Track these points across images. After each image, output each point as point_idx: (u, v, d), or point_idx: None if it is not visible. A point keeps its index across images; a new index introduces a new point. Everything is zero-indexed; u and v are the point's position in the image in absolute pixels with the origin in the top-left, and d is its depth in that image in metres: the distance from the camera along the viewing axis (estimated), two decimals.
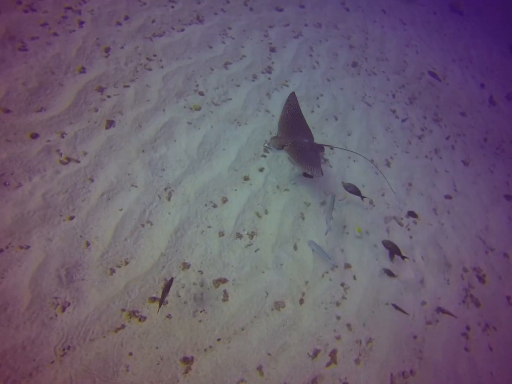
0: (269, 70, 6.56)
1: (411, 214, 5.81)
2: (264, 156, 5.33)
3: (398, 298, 4.91)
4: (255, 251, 4.39)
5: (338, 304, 4.48)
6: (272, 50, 6.94)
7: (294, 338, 4.04)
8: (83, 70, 4.77)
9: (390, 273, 4.99)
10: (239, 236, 4.40)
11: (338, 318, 4.38)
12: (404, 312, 4.53)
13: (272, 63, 6.72)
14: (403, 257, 4.75)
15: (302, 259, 4.63)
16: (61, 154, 4.02)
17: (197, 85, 5.54)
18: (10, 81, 4.21)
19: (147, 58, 5.39)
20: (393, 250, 4.80)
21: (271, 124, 5.77)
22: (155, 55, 5.49)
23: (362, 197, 4.98)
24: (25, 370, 2.89)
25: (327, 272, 4.70)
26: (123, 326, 3.36)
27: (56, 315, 3.18)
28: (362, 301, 4.69)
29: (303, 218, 5.02)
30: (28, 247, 3.39)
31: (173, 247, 3.96)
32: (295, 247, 4.69)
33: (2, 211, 3.43)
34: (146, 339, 3.39)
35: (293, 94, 4.96)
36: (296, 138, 4.63)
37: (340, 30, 8.47)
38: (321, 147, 5.13)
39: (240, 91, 5.91)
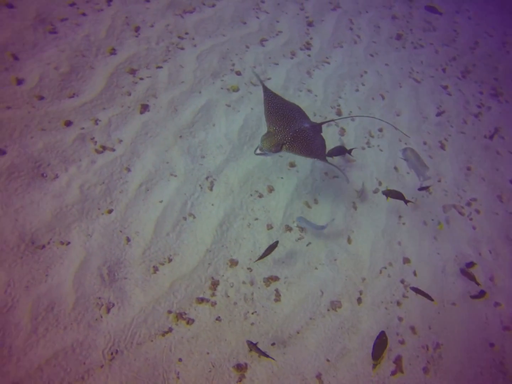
0: (308, 46, 5.96)
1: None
2: None
3: (466, 298, 4.34)
4: (307, 245, 3.95)
5: (399, 303, 3.98)
6: (310, 24, 6.31)
7: (354, 343, 3.60)
8: (113, 52, 4.41)
9: (468, 275, 4.30)
10: (289, 228, 3.97)
11: (401, 319, 3.89)
12: (429, 298, 3.63)
13: (311, 38, 6.10)
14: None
15: (357, 253, 4.14)
16: (95, 142, 3.72)
17: (233, 64, 5.06)
18: (43, 66, 3.92)
19: (179, 37, 4.96)
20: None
21: (314, 105, 5.22)
22: (187, 33, 5.05)
23: (406, 202, 3.95)
24: (77, 373, 2.66)
25: (385, 268, 4.19)
26: (170, 330, 3.05)
27: (101, 317, 2.92)
28: (426, 301, 4.16)
29: (356, 208, 4.50)
30: (68, 243, 3.13)
31: (219, 242, 3.59)
32: (349, 240, 4.21)
33: (42, 204, 3.17)
34: (196, 344, 3.07)
35: (263, 86, 3.68)
36: (294, 126, 3.43)
37: None
38: (321, 127, 3.90)
39: (279, 69, 5.38)
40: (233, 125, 4.45)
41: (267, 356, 2.97)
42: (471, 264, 4.53)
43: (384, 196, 4.17)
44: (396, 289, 4.10)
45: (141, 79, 4.36)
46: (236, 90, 4.81)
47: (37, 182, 3.31)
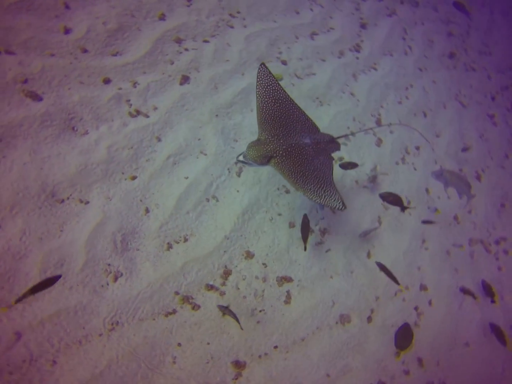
0: (357, 48, 5.71)
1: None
2: (345, 144, 4.61)
3: (482, 341, 4.09)
4: (326, 251, 3.76)
5: None
6: (363, 26, 6.04)
7: (358, 362, 3.42)
8: (163, 17, 4.26)
9: (497, 332, 3.88)
10: (311, 231, 3.79)
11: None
12: (396, 281, 3.32)
13: (362, 41, 5.84)
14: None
15: (375, 270, 3.93)
16: (131, 105, 3.58)
17: (280, 53, 4.86)
18: (92, 20, 3.78)
19: (230, 14, 4.78)
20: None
21: (355, 110, 4.99)
22: (238, 12, 4.86)
23: (404, 208, 3.66)
24: (76, 336, 2.55)
25: (401, 291, 3.98)
26: (174, 311, 2.92)
27: (108, 284, 2.80)
28: (438, 334, 3.93)
29: (380, 223, 4.29)
30: (87, 202, 3.01)
31: (238, 230, 3.43)
32: (369, 255, 4.00)
33: (68, 158, 3.05)
34: (198, 331, 2.93)
35: (263, 66, 3.07)
36: (290, 139, 2.81)
37: (439, 13, 7.29)
38: (335, 144, 3.15)
39: (325, 66, 5.15)
40: None
41: (238, 321, 2.83)
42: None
43: (416, 220, 3.97)
44: (409, 315, 3.88)
45: (186, 50, 4.20)
46: (279, 79, 4.61)
47: (66, 135, 3.20)
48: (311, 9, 5.64)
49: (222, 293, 3.11)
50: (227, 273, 3.20)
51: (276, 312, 3.26)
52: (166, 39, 4.15)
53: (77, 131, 3.27)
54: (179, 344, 2.82)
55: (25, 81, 3.18)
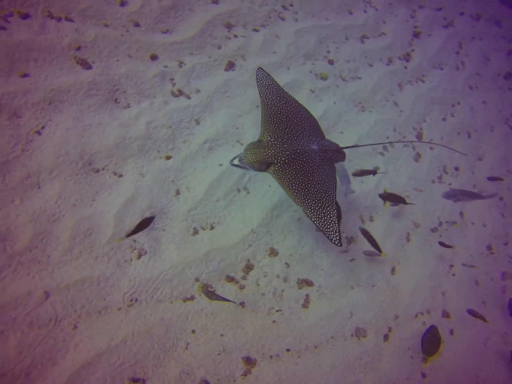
0: (407, 57, 5.47)
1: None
2: (383, 154, 4.44)
3: None
4: (350, 260, 3.63)
5: (427, 358, 3.60)
6: (416, 35, 5.79)
7: (368, 380, 3.28)
8: (216, 0, 4.20)
9: None
10: None
11: (424, 376, 3.50)
12: (378, 249, 3.12)
13: (412, 50, 5.60)
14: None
15: (398, 288, 3.77)
16: (174, 84, 3.55)
17: (328, 52, 4.72)
18: None
19: (283, 6, 4.67)
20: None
21: (397, 120, 4.79)
22: (291, 5, 4.74)
23: (405, 202, 3.44)
24: (96, 306, 2.56)
25: (422, 314, 3.79)
26: (192, 298, 2.88)
27: (131, 260, 2.78)
28: (457, 368, 3.73)
29: (409, 240, 4.11)
30: (121, 175, 3.00)
31: (265, 226, 3.35)
32: (393, 271, 3.84)
33: (108, 129, 3.05)
34: (213, 321, 2.88)
35: (260, 70, 2.83)
36: (296, 144, 2.46)
37: (502, 29, 6.90)
38: (341, 153, 2.81)
39: (372, 72, 4.97)
40: (312, 112, 4.10)
41: (228, 300, 2.73)
42: None
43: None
44: None
45: (235, 36, 4.13)
46: (324, 78, 4.47)
47: (109, 106, 3.20)
48: (365, 11, 5.45)
49: (242, 287, 3.05)
50: (249, 267, 3.13)
51: (293, 314, 3.17)
52: (217, 22, 4.09)
53: (119, 104, 3.26)
54: (193, 331, 2.78)
55: (78, 48, 3.20)
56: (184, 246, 3.01)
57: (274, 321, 3.06)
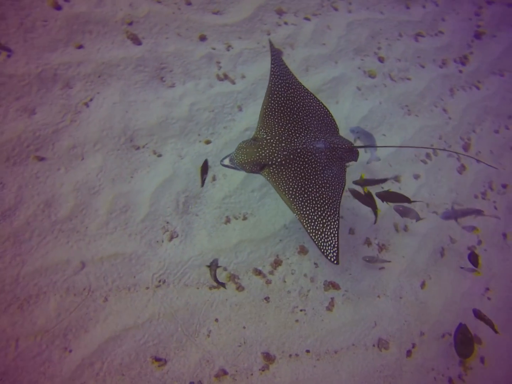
0: (463, 60, 5.11)
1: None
2: (425, 162, 4.21)
3: None
4: (380, 268, 3.49)
5: (452, 382, 3.44)
6: (477, 35, 5.38)
7: None
8: None
9: None
10: (369, 243, 3.53)
11: None
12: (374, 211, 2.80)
13: (471, 52, 5.22)
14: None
15: (426, 304, 3.60)
16: (220, 67, 3.47)
17: (379, 48, 4.47)
18: None
19: None
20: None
21: (444, 128, 4.51)
22: None
23: (410, 202, 2.85)
24: (126, 282, 2.59)
25: (450, 335, 3.62)
26: (218, 287, 2.85)
27: (163, 241, 2.78)
28: None
29: (443, 255, 3.90)
30: (160, 155, 2.99)
31: (298, 222, 3.27)
32: (423, 285, 3.66)
33: (152, 107, 3.03)
34: (237, 312, 2.85)
35: (277, 53, 2.46)
36: (297, 142, 2.15)
37: None
38: (354, 152, 2.45)
39: (423, 74, 4.68)
40: (356, 111, 3.96)
41: (220, 283, 2.53)
42: None
43: (484, 264, 3.52)
44: (453, 365, 3.52)
45: (286, 23, 3.98)
46: (373, 76, 4.25)
47: (154, 83, 3.17)
48: (424, 6, 5.10)
49: (268, 282, 3.00)
50: (277, 263, 3.07)
51: (316, 316, 3.09)
52: (268, 8, 3.94)
53: (165, 82, 3.22)
54: (217, 320, 2.77)
55: (131, 23, 3.16)
56: (215, 233, 2.98)
57: (297, 320, 3.00)
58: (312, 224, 2.05)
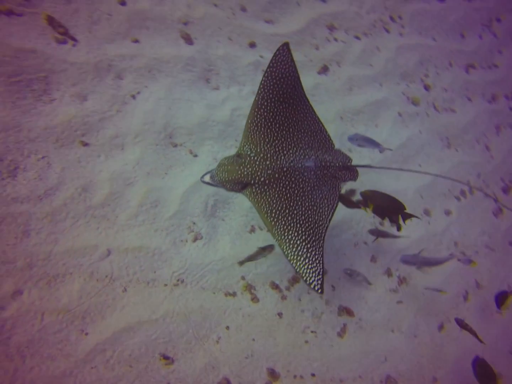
0: None
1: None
2: (459, 199, 4.05)
3: None
4: (397, 302, 3.38)
5: None
6: None
7: None
8: None
9: None
10: (389, 273, 3.42)
11: None
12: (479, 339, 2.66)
13: None
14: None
15: (443, 347, 3.45)
16: None
17: (427, 76, 4.35)
18: None
19: (391, 17, 4.37)
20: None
21: (484, 166, 4.33)
22: (400, 17, 4.43)
23: (406, 216, 2.28)
24: (146, 276, 2.65)
25: None
26: (234, 294, 2.85)
27: (187, 241, 2.81)
28: None
29: (466, 299, 3.73)
30: (196, 155, 3.02)
31: None
32: (441, 328, 3.51)
33: (195, 107, 3.07)
34: (248, 324, 2.83)
35: (284, 49, 2.14)
36: (284, 159, 2.01)
37: None
38: (351, 171, 2.24)
39: (469, 107, 4.52)
40: (395, 137, 3.87)
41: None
42: None
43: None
44: None
45: (335, 40, 3.95)
46: (416, 103, 4.14)
47: (200, 84, 3.21)
48: (481, 36, 4.93)
49: (284, 297, 2.96)
50: (295, 280, 3.03)
51: (327, 340, 3.02)
52: (321, 22, 3.93)
53: (210, 84, 3.26)
54: (228, 328, 2.76)
55: (186, 23, 3.23)
56: (238, 241, 2.97)
57: (306, 341, 2.95)
58: (295, 250, 1.93)
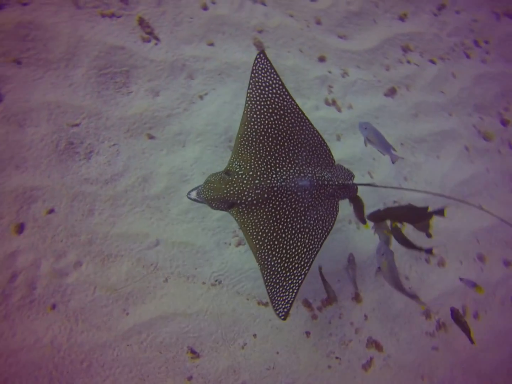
0: None
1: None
2: None
3: None
4: (432, 348, 3.19)
5: None
6: None
7: None
8: (403, 18, 3.86)
9: None
10: (428, 316, 3.24)
11: None
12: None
13: None
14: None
15: None
16: (331, 92, 3.44)
17: (507, 109, 4.01)
18: None
19: (475, 41, 4.06)
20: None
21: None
22: (486, 42, 4.10)
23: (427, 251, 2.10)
24: (187, 271, 2.76)
25: None
26: (266, 304, 2.87)
27: (230, 244, 2.88)
28: None
29: None
30: None
31: (360, 268, 3.12)
32: None
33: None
34: (275, 336, 2.84)
35: (262, 58, 2.00)
36: (276, 178, 1.89)
37: None
38: (351, 188, 2.11)
39: None
40: (457, 172, 3.62)
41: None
42: None
43: None
44: None
45: (408, 62, 3.78)
46: (488, 138, 3.84)
47: None
48: None
49: (314, 317, 2.93)
50: (329, 302, 2.98)
51: (350, 370, 2.95)
52: (395, 42, 3.78)
53: None
54: (255, 336, 2.79)
55: (260, 31, 3.29)
56: None
57: (329, 366, 2.89)
58: (273, 276, 1.87)
